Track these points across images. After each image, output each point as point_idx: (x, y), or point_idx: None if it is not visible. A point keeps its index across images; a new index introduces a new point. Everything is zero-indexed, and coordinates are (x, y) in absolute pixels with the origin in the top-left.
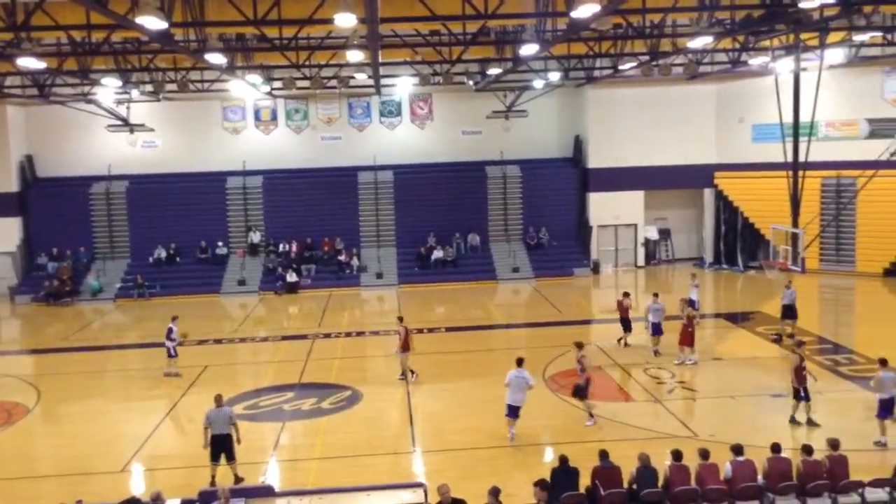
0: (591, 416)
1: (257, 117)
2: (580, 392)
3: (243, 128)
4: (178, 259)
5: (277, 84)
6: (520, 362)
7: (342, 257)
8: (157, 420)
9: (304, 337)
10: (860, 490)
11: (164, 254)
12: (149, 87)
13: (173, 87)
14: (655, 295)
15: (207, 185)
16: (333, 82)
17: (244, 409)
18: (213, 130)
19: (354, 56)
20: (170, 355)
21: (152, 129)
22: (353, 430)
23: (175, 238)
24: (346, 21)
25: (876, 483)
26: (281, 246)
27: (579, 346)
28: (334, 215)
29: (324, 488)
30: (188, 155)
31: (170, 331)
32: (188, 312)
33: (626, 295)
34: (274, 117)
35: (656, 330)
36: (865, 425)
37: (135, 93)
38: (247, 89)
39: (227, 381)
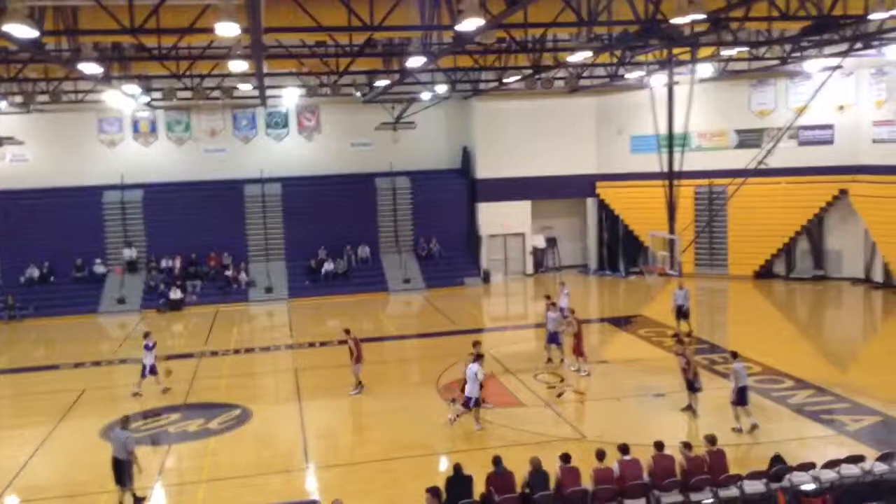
0: (477, 421)
1: (136, 129)
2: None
3: (121, 140)
4: (52, 278)
5: (157, 95)
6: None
7: (229, 272)
8: (31, 449)
9: (189, 356)
10: (739, 483)
11: (36, 273)
12: (18, 99)
13: (45, 98)
14: (553, 304)
15: (83, 200)
16: (216, 93)
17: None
18: (89, 143)
19: (238, 66)
20: (147, 373)
21: (22, 143)
22: (243, 450)
23: (48, 256)
24: (228, 31)
25: (753, 475)
26: (163, 262)
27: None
28: (220, 229)
29: None
30: (61, 169)
31: (147, 347)
32: (64, 335)
33: (548, 297)
34: (154, 129)
35: (552, 339)
36: (753, 420)
37: (2, 104)
38: (124, 100)
39: (108, 404)
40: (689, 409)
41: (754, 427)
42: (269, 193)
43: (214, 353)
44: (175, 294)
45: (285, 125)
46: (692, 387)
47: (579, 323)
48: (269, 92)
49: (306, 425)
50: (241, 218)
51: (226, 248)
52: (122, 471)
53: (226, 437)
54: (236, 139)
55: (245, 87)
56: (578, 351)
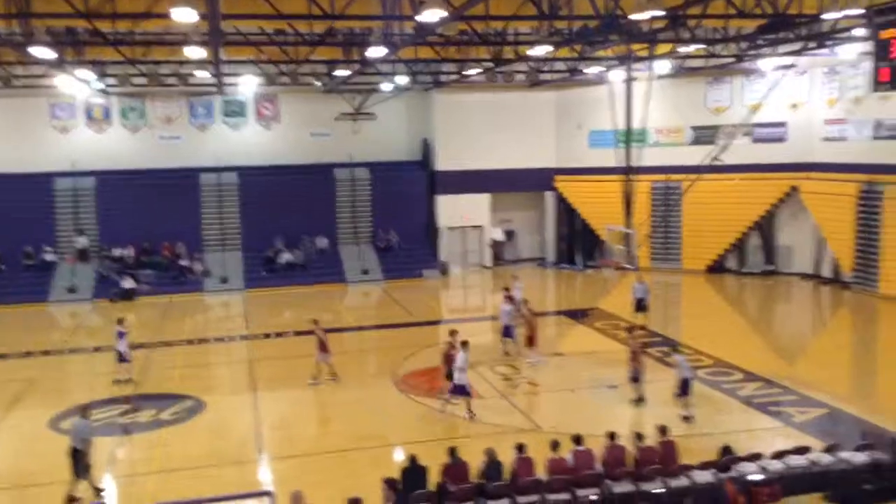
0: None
1: (89, 115)
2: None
3: (73, 126)
4: (1, 266)
5: (111, 81)
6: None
7: (184, 262)
8: None
9: (141, 346)
10: (689, 473)
11: None
12: None
13: None
14: (509, 298)
15: (33, 186)
16: (172, 80)
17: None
18: (40, 129)
19: (195, 53)
20: (122, 360)
21: None
22: (195, 441)
23: None
24: (185, 16)
25: (703, 466)
26: (116, 251)
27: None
28: (175, 218)
29: (163, 503)
30: (11, 155)
31: (121, 335)
32: (13, 323)
33: (507, 289)
34: (107, 115)
35: (506, 332)
36: (693, 412)
37: None
38: (77, 86)
39: (57, 394)
40: (640, 400)
41: (688, 419)
42: (226, 182)
43: (167, 344)
44: (128, 283)
45: (243, 114)
46: (636, 378)
47: (533, 315)
48: (226, 80)
49: (261, 416)
50: (196, 207)
51: (180, 238)
52: (79, 461)
53: (178, 428)
54: (192, 127)
55: (202, 75)
56: (532, 342)
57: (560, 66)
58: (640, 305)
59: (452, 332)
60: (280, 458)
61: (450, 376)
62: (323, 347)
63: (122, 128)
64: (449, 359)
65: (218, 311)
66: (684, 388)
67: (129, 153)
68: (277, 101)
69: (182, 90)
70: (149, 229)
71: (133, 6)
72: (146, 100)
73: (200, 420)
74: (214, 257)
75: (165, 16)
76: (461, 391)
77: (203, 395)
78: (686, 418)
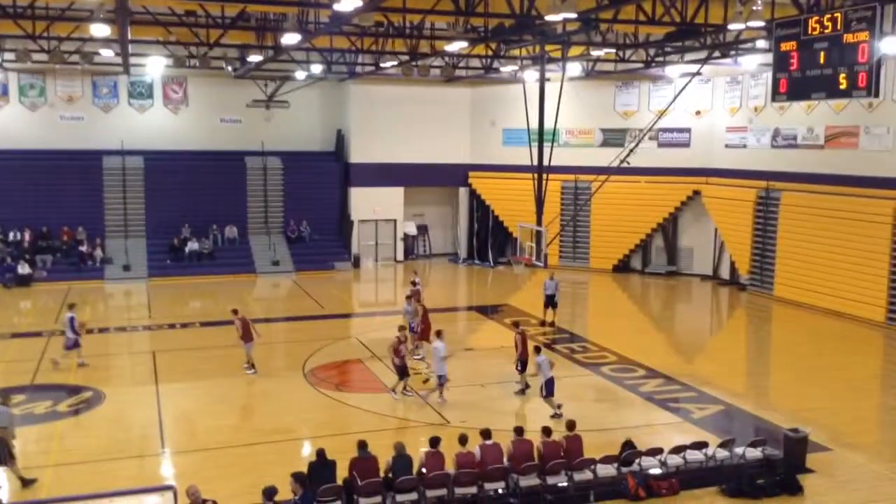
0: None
1: None
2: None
3: None
4: None
5: (9, 56)
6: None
7: (83, 248)
8: None
9: (38, 334)
10: (592, 467)
11: None
12: None
13: None
14: (408, 298)
15: None
16: (76, 57)
17: None
18: None
19: (100, 31)
20: (70, 346)
21: None
22: (93, 434)
23: None
24: None
25: (605, 460)
26: (11, 234)
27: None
28: (75, 202)
29: (59, 497)
30: None
31: (71, 320)
32: None
33: (415, 283)
34: (5, 92)
35: (410, 328)
36: (597, 407)
37: None
38: None
39: None
40: (523, 392)
41: (558, 415)
42: (130, 167)
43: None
44: (23, 269)
45: (150, 95)
46: (523, 367)
47: (425, 310)
48: (133, 60)
49: (163, 409)
50: (99, 191)
51: (81, 223)
52: (2, 449)
53: (75, 420)
54: (96, 107)
55: (107, 53)
56: (423, 336)
57: (475, 62)
58: (550, 302)
59: (401, 328)
60: (183, 452)
61: (403, 370)
62: (246, 336)
63: (21, 105)
64: (397, 352)
65: (119, 299)
66: (549, 389)
67: (28, 132)
68: (186, 84)
69: (85, 69)
70: (47, 213)
71: None
72: (47, 77)
73: (100, 412)
74: (117, 244)
75: None
76: (443, 380)
77: (102, 387)
78: (556, 415)
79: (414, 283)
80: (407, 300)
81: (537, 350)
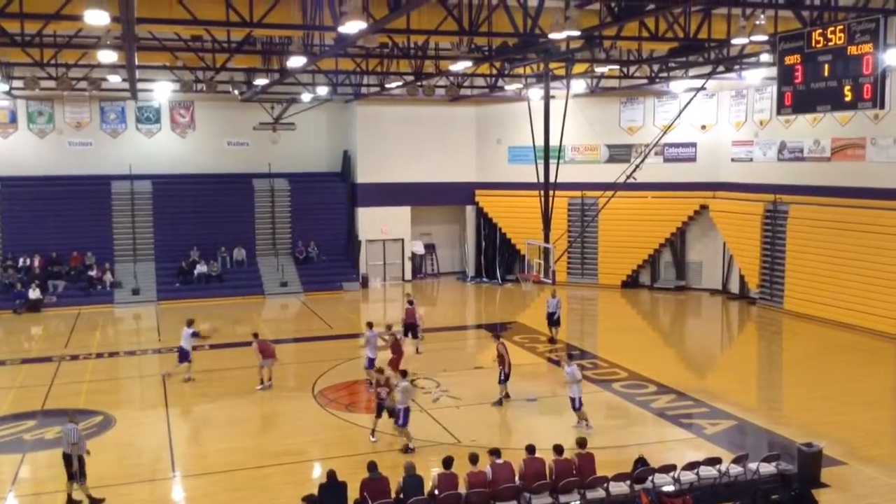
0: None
1: None
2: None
3: None
4: None
5: (18, 83)
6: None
7: (93, 272)
8: None
9: (48, 359)
10: (605, 485)
11: None
12: None
13: None
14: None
15: None
16: (83, 84)
17: None
18: None
19: (107, 57)
20: (186, 360)
21: None
22: (104, 458)
23: None
24: (97, 19)
25: (618, 477)
26: (21, 260)
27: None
28: (84, 227)
29: None
30: None
31: (195, 334)
32: None
33: (411, 303)
34: (14, 119)
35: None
36: (609, 424)
37: None
38: None
39: None
40: (501, 401)
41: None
42: (139, 191)
43: (75, 357)
44: (34, 294)
45: (157, 120)
46: (506, 378)
47: (398, 340)
48: (140, 85)
49: (173, 432)
50: (107, 216)
51: (90, 247)
52: (70, 465)
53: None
54: (104, 133)
55: (114, 79)
56: (394, 366)
57: (480, 81)
58: (553, 319)
59: (379, 370)
60: (194, 476)
61: (379, 408)
62: (265, 354)
63: (29, 132)
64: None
65: (129, 323)
66: (579, 402)
67: (37, 159)
68: (193, 108)
69: (93, 95)
70: (57, 238)
71: (43, 6)
72: (55, 103)
73: (110, 436)
74: (126, 268)
75: (77, 18)
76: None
77: (112, 411)
78: (587, 426)
79: (410, 303)
80: (369, 327)
81: (570, 358)
